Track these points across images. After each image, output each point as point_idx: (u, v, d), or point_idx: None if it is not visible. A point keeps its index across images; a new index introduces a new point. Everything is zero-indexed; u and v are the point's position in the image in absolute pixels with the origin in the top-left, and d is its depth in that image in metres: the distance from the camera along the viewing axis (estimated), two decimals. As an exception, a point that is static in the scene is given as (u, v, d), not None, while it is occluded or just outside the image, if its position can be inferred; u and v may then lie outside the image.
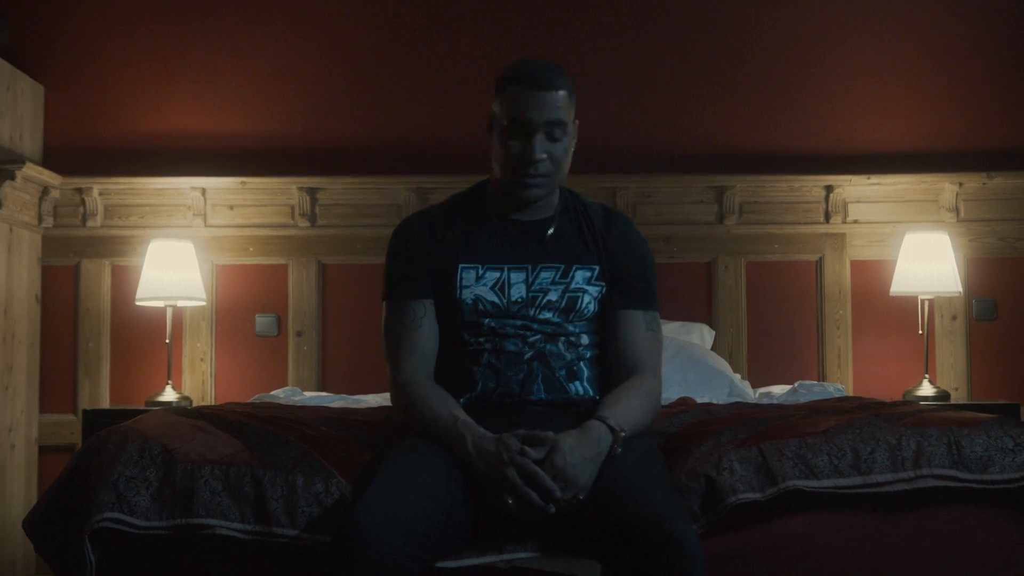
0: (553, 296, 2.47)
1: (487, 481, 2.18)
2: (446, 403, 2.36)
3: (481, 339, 2.45)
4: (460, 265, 2.46)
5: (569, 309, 2.48)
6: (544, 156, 2.42)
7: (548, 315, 2.47)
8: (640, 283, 2.55)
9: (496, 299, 2.46)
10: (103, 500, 2.27)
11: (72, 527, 2.29)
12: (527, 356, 2.45)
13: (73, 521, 2.30)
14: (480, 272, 2.47)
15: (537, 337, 2.45)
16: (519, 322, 2.45)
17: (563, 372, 2.46)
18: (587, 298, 2.50)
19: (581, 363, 2.49)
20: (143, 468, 2.32)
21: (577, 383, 2.48)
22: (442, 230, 2.51)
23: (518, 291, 2.46)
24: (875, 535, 2.38)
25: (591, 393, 2.49)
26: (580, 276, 2.50)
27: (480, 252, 2.48)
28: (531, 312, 2.46)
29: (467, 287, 2.46)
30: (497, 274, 2.47)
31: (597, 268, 2.52)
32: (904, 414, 2.57)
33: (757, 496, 2.30)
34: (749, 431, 2.50)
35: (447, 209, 2.57)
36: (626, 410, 2.34)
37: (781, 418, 2.61)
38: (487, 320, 2.46)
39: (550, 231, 2.52)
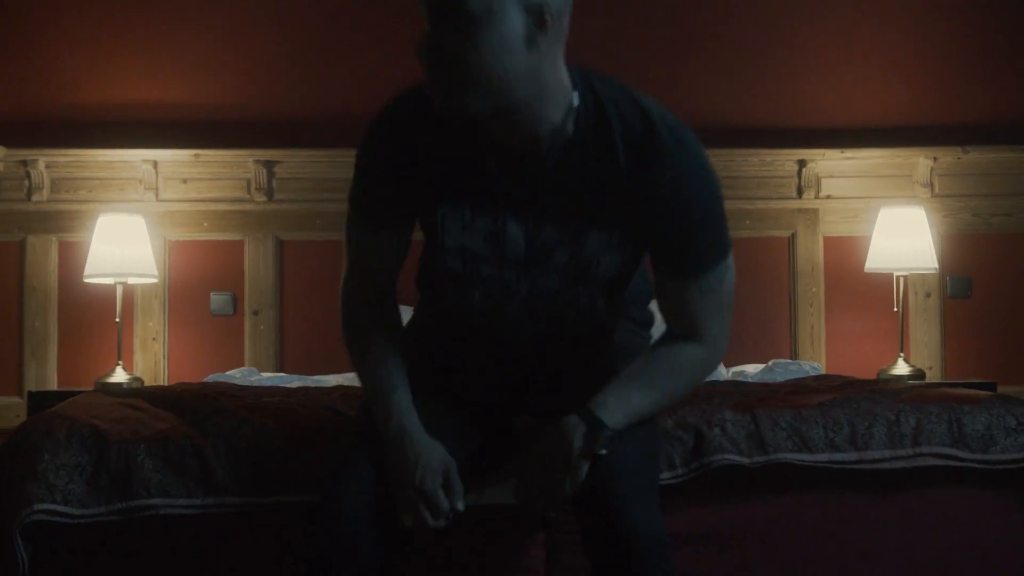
0: (560, 257, 1.96)
1: (391, 481, 1.93)
2: (388, 358, 2.04)
3: (473, 292, 2.01)
4: (442, 208, 1.95)
5: (580, 274, 1.97)
6: None
7: (553, 281, 1.98)
8: (692, 246, 1.97)
9: (488, 252, 1.96)
10: (32, 492, 2.16)
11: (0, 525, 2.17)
12: (528, 321, 2.02)
13: (0, 518, 2.17)
14: (468, 219, 1.95)
15: (540, 304, 2.01)
16: (515, 275, 1.98)
17: (578, 335, 2.06)
18: (606, 262, 1.97)
19: (600, 320, 2.08)
20: (73, 453, 2.22)
21: (598, 343, 2.12)
22: (423, 151, 1.94)
23: (515, 247, 1.95)
24: (868, 516, 2.32)
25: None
26: (595, 241, 1.95)
27: (467, 189, 1.93)
28: (531, 276, 1.98)
29: (450, 233, 1.96)
30: (489, 220, 1.94)
31: (618, 232, 1.95)
32: (901, 390, 2.50)
33: (744, 461, 2.23)
34: (742, 395, 2.43)
35: (432, 119, 1.90)
36: (625, 396, 1.94)
37: (770, 392, 2.54)
38: (474, 268, 1.99)
39: (554, 166, 1.90)
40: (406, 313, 2.75)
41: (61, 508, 2.15)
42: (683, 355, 2.02)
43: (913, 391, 2.50)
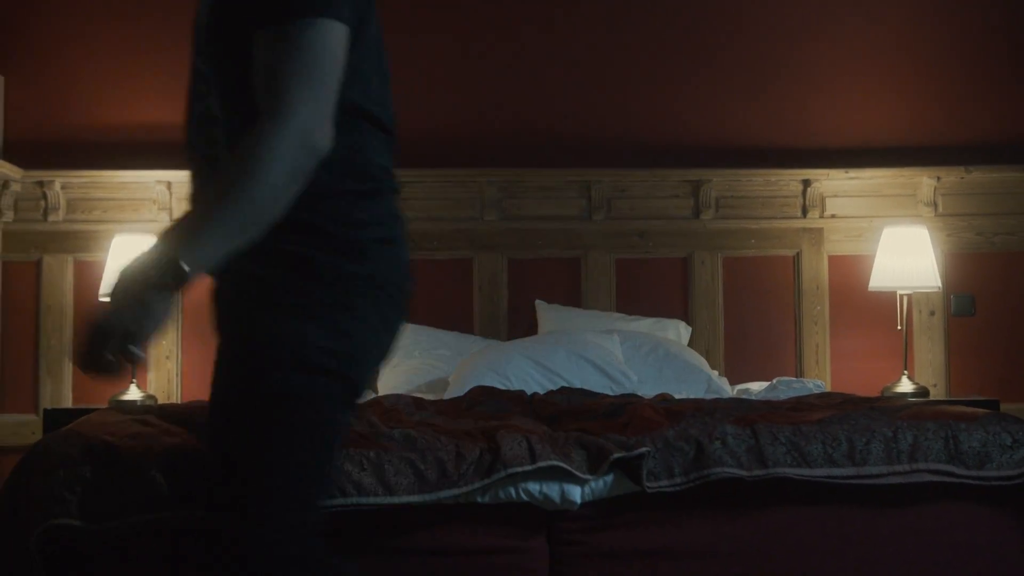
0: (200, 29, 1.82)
1: None
2: None
3: None
4: None
5: (197, 43, 1.83)
6: None
7: (198, 61, 1.85)
8: None
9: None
10: (48, 507, 2.22)
11: (17, 538, 2.23)
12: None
13: (18, 531, 2.23)
14: None
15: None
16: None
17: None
18: (203, 22, 1.79)
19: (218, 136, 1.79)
20: (88, 469, 2.28)
21: None
22: None
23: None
24: (865, 531, 2.36)
25: None
26: None
27: None
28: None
29: None
30: None
31: None
32: (899, 407, 2.55)
33: (743, 474, 2.28)
34: (744, 411, 2.48)
35: None
36: (200, 219, 1.60)
37: (770, 409, 2.58)
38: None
39: None
40: (408, 331, 2.77)
41: (76, 522, 2.20)
42: (246, 142, 1.58)
43: (911, 408, 2.54)
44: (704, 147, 4.75)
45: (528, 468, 2.27)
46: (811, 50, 4.77)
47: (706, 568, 2.30)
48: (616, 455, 2.29)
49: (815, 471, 2.30)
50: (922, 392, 4.30)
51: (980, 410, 2.56)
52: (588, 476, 2.29)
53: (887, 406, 2.60)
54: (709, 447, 2.30)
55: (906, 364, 4.41)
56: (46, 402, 4.48)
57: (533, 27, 4.74)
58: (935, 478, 2.34)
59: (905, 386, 4.31)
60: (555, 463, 2.28)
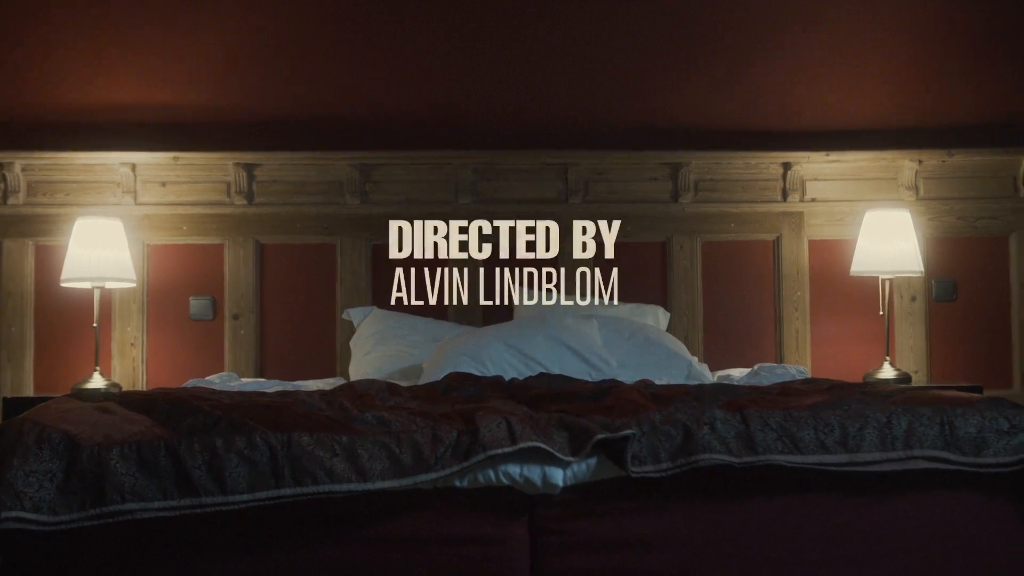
0: None
1: None
2: None
3: None
4: None
5: None
6: None
7: None
8: None
9: None
10: (1, 500, 2.11)
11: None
12: None
13: None
14: None
15: None
16: None
17: None
18: None
19: None
20: (43, 460, 2.18)
21: None
22: None
23: None
24: (856, 520, 2.29)
25: None
26: None
27: None
28: None
29: None
30: None
31: None
32: (892, 392, 2.47)
33: (733, 460, 2.21)
34: (731, 396, 2.40)
35: None
36: None
37: (758, 394, 2.50)
38: None
39: None
40: (381, 317, 2.66)
41: (30, 516, 2.11)
42: None
43: (905, 393, 2.47)
44: (683, 129, 4.67)
45: (508, 450, 2.18)
46: (791, 32, 4.70)
47: (693, 558, 2.21)
48: (600, 436, 2.20)
49: (807, 458, 2.23)
50: (904, 378, 4.24)
51: (975, 395, 2.49)
52: (570, 458, 2.20)
53: (879, 391, 2.52)
54: (697, 432, 2.22)
55: (888, 350, 4.35)
56: (6, 391, 4.38)
57: (509, 8, 4.64)
58: (930, 465, 2.26)
59: (887, 372, 4.25)
60: (536, 444, 2.19)
